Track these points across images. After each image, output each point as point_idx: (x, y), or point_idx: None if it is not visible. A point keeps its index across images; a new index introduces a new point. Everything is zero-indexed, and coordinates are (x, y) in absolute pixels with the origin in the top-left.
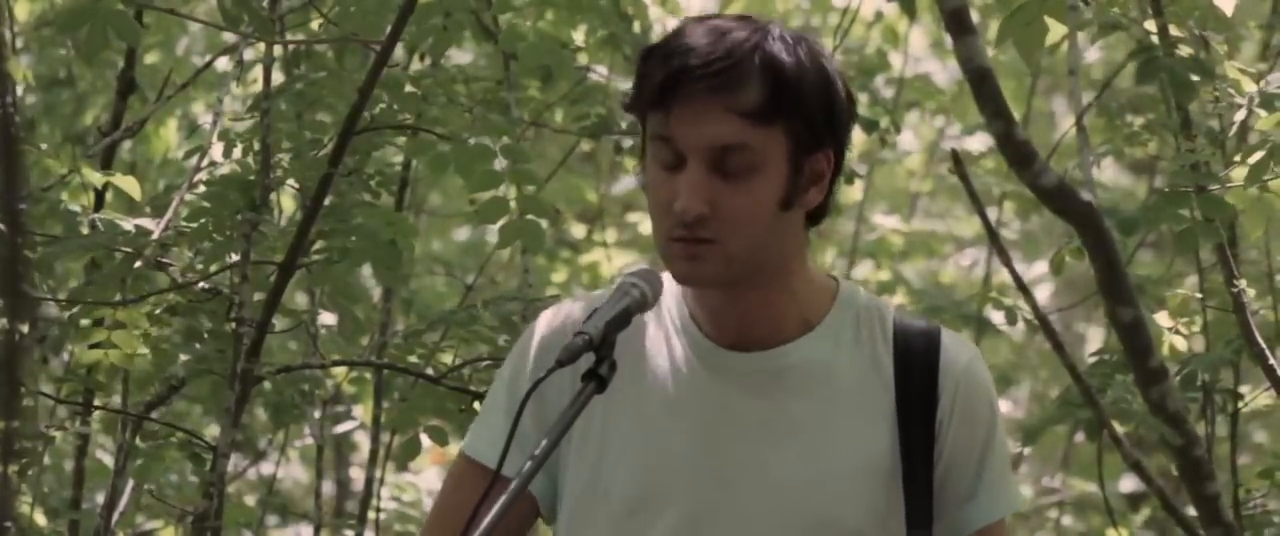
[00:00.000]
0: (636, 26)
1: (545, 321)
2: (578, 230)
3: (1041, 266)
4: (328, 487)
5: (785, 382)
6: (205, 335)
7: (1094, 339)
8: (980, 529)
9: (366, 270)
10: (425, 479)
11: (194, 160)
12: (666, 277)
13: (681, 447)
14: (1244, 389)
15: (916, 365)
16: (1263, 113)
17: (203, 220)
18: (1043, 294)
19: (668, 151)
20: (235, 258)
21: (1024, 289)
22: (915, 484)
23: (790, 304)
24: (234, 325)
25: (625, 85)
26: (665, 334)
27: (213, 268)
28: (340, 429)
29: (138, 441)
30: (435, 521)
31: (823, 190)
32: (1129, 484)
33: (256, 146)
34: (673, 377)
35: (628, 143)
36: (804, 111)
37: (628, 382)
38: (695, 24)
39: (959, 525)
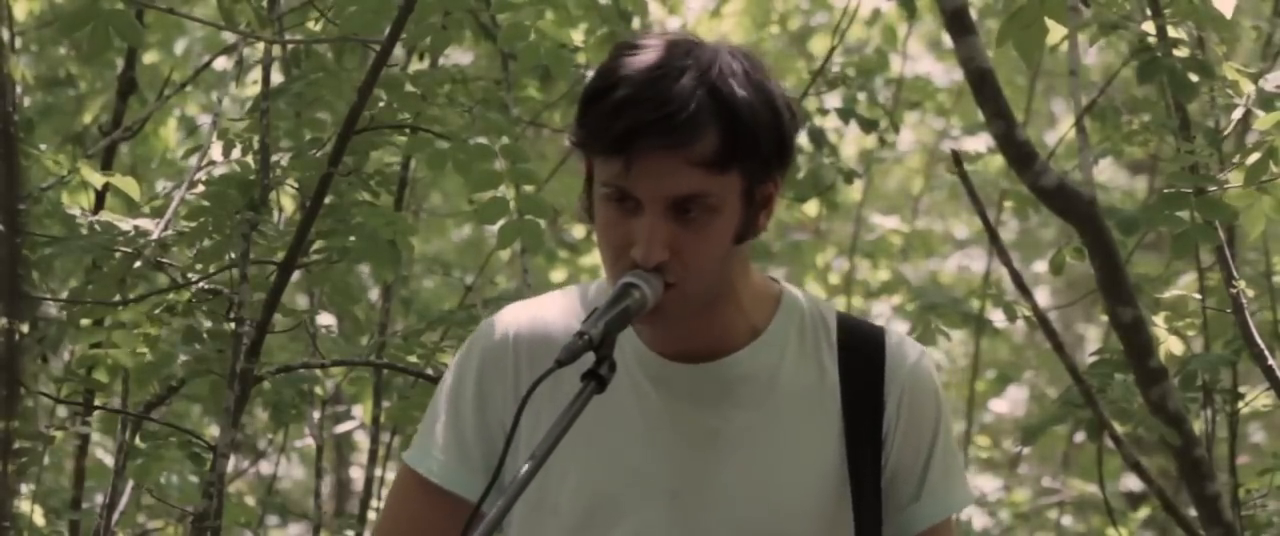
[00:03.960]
0: (636, 24)
1: (487, 333)
2: (577, 230)
3: (1041, 266)
4: (327, 487)
5: (731, 393)
6: (205, 335)
7: (1094, 339)
8: (925, 529)
9: (366, 270)
10: None
11: (193, 160)
12: (599, 287)
13: (629, 461)
14: (1243, 389)
15: (862, 370)
16: (1260, 113)
17: (202, 220)
18: (1042, 294)
19: (622, 196)
20: (234, 257)
21: (1024, 288)
22: (863, 490)
23: (735, 315)
24: (233, 325)
25: None
26: None
27: (212, 267)
28: (340, 429)
29: (138, 441)
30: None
31: (771, 213)
32: (1129, 484)
33: (256, 146)
34: (618, 390)
35: None
36: (760, 151)
37: (572, 396)
38: (637, 59)
39: (904, 526)
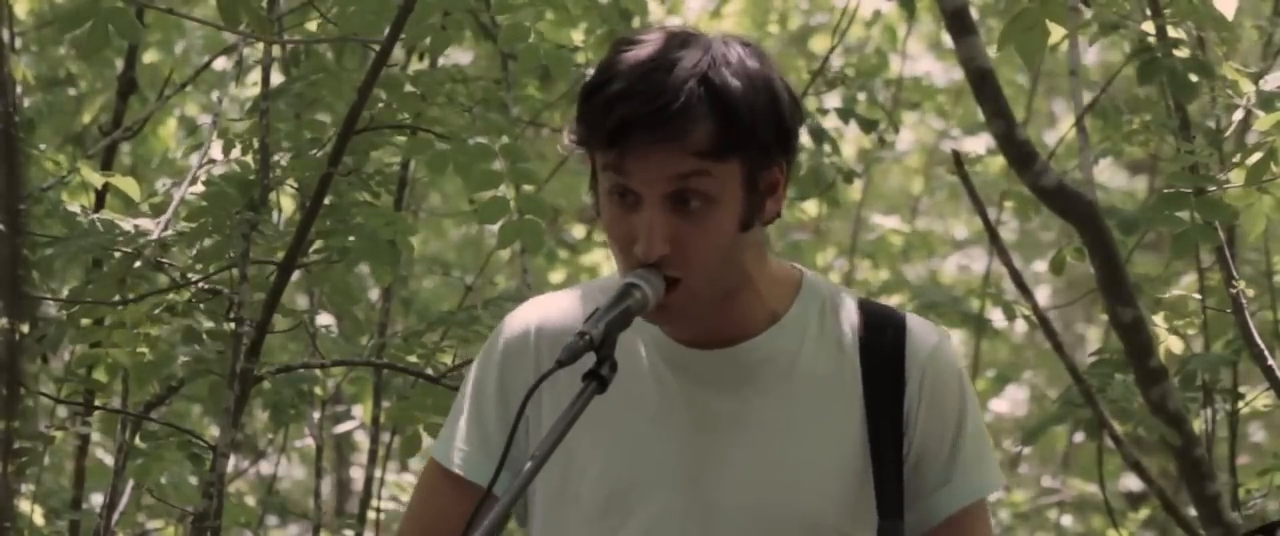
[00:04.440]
0: (636, 24)
1: (509, 326)
2: (577, 230)
3: (1041, 266)
4: (327, 487)
5: (751, 378)
6: (204, 335)
7: (1094, 339)
8: (958, 510)
9: (366, 270)
10: None
11: (193, 160)
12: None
13: (649, 447)
14: (1243, 389)
15: (882, 353)
16: (1260, 113)
17: (202, 220)
18: (1042, 294)
19: (623, 191)
20: (234, 257)
21: (1024, 289)
22: (885, 473)
23: (753, 301)
24: (233, 325)
25: None
26: (627, 333)
27: (212, 267)
28: (340, 429)
29: (138, 441)
30: (413, 531)
31: (779, 200)
32: (1129, 484)
33: (256, 146)
34: (637, 378)
35: None
36: (757, 139)
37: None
38: (633, 52)
39: (935, 509)
